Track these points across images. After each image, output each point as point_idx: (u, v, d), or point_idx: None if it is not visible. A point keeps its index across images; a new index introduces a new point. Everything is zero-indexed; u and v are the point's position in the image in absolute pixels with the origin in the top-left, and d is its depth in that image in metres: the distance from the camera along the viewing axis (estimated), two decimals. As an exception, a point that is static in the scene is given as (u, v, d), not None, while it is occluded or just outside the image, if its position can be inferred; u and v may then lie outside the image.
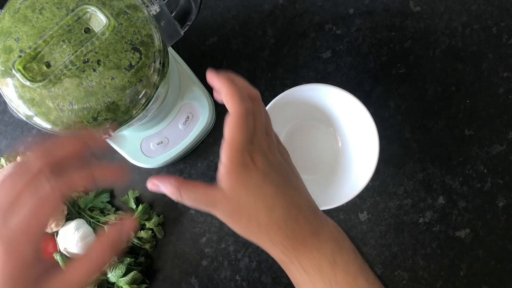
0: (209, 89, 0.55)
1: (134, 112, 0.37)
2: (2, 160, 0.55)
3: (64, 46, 0.34)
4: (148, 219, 0.55)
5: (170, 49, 0.50)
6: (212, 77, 0.33)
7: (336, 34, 0.56)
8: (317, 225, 0.33)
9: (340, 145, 0.54)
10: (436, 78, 0.56)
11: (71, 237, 0.50)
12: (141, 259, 0.54)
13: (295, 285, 0.34)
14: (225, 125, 0.32)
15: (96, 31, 0.34)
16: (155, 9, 0.37)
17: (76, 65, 0.33)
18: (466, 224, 0.55)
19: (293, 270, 0.33)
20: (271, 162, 0.33)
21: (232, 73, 0.33)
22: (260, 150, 0.33)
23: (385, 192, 0.55)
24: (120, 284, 0.51)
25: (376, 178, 0.55)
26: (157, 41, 0.35)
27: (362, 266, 0.33)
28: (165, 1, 0.38)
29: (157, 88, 0.37)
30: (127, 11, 0.35)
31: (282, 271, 0.54)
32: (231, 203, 0.32)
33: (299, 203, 0.33)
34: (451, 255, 0.54)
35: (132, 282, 0.51)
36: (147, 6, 0.36)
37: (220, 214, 0.33)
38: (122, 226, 0.32)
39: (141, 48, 0.34)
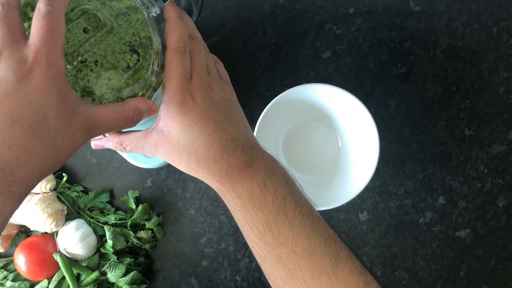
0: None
1: None
2: (2, 160, 0.55)
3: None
4: (148, 219, 0.55)
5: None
6: (168, 7, 0.36)
7: (336, 34, 0.56)
8: (252, 157, 0.35)
9: (340, 145, 0.54)
10: (436, 78, 0.56)
11: (71, 237, 0.50)
12: (141, 259, 0.54)
13: (231, 211, 0.36)
14: (165, 61, 0.34)
15: (94, 31, 0.34)
16: (155, 11, 0.37)
17: (73, 64, 0.33)
18: (467, 224, 0.55)
19: (229, 197, 0.35)
20: (212, 98, 0.35)
21: (185, 13, 0.36)
22: (200, 87, 0.35)
23: (385, 192, 0.55)
24: (120, 284, 0.51)
25: (376, 178, 0.55)
26: (156, 43, 0.35)
27: (292, 191, 0.35)
28: (165, 3, 0.38)
29: (155, 90, 0.37)
30: (127, 12, 0.35)
31: (282, 271, 0.55)
32: (171, 143, 0.34)
33: (237, 138, 0.35)
34: (452, 255, 0.54)
35: (132, 282, 0.51)
36: (147, 8, 0.36)
37: (163, 156, 0.35)
38: (150, 106, 0.35)
39: (139, 50, 0.35)
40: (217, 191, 0.36)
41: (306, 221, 0.33)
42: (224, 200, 0.36)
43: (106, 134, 0.38)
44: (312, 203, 0.35)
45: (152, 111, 0.35)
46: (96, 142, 0.38)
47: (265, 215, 0.33)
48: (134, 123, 0.34)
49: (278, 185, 0.34)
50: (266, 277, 0.35)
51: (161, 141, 0.34)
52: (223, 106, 0.36)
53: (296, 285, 0.32)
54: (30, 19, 0.32)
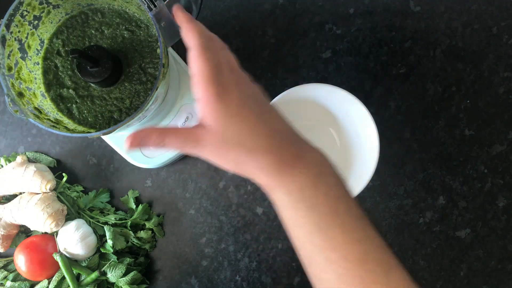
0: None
1: (133, 112, 0.37)
2: (2, 160, 0.55)
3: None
4: (148, 219, 0.55)
5: (170, 49, 0.50)
6: (176, 12, 0.34)
7: (336, 34, 0.56)
8: (301, 150, 0.33)
9: (340, 145, 0.54)
10: (436, 78, 0.56)
11: (71, 237, 0.50)
12: (141, 259, 0.54)
13: (277, 207, 0.34)
14: (189, 61, 0.32)
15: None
16: (155, 10, 0.37)
17: None
18: (467, 224, 0.54)
19: (277, 193, 0.33)
20: (245, 91, 0.34)
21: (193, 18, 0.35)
22: (232, 80, 0.33)
23: (385, 192, 0.55)
24: (120, 284, 0.51)
25: (376, 178, 0.55)
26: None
27: (344, 193, 0.33)
28: (165, 2, 0.38)
29: (156, 89, 0.37)
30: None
31: (282, 271, 0.55)
32: (217, 136, 0.32)
33: (282, 129, 0.34)
34: (452, 255, 0.54)
35: (132, 282, 0.51)
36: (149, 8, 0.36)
37: (208, 152, 0.33)
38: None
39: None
40: (265, 187, 0.34)
41: (359, 225, 0.32)
42: (271, 196, 0.34)
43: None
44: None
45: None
46: (133, 145, 0.34)
47: (316, 216, 0.31)
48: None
49: (329, 183, 0.33)
50: (311, 277, 0.33)
51: (207, 136, 0.32)
52: (259, 98, 0.34)
53: None
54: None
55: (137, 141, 0.33)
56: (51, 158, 0.56)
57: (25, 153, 0.56)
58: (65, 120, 0.43)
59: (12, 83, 0.39)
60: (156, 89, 0.37)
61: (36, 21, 0.41)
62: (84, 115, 0.43)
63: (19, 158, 0.54)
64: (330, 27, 0.56)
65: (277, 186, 0.32)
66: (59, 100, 0.43)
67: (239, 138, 0.32)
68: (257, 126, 0.32)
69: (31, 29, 0.41)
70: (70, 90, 0.43)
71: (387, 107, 0.56)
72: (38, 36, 0.42)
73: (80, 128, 0.43)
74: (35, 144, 0.58)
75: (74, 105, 0.43)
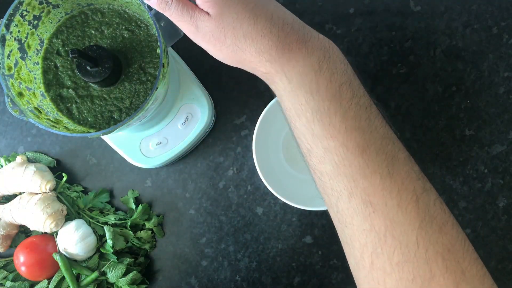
0: (209, 90, 0.55)
1: (133, 112, 0.37)
2: (2, 160, 0.55)
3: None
4: (148, 219, 0.55)
5: (170, 49, 0.50)
6: None
7: (336, 34, 0.56)
8: (304, 35, 0.31)
9: (340, 145, 0.54)
10: (436, 78, 0.56)
11: (70, 237, 0.50)
12: (140, 259, 0.54)
13: (278, 98, 0.32)
14: None
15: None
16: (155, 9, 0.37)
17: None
18: (467, 224, 0.54)
19: (277, 80, 0.31)
20: None
21: None
22: None
23: (385, 192, 0.55)
24: (120, 285, 0.51)
25: (376, 178, 0.55)
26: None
27: (351, 79, 0.31)
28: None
29: (156, 89, 0.37)
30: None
31: (282, 271, 0.55)
32: (213, 20, 0.31)
33: (284, 16, 0.32)
34: (452, 255, 0.54)
35: (131, 283, 0.51)
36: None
37: (205, 36, 0.32)
38: None
39: None
40: (265, 75, 0.32)
41: (363, 114, 0.30)
42: (271, 86, 0.32)
43: None
44: (372, 99, 0.31)
45: None
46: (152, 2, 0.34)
47: (316, 103, 0.29)
48: None
49: (335, 70, 0.30)
50: (311, 171, 0.31)
51: (204, 21, 0.31)
52: None
53: (343, 182, 0.28)
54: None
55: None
56: (50, 158, 0.56)
57: (25, 153, 0.56)
58: (65, 120, 0.43)
59: (12, 83, 0.39)
60: (156, 89, 0.37)
61: (36, 21, 0.41)
62: (84, 115, 0.43)
63: (19, 158, 0.54)
64: (330, 27, 0.56)
65: (278, 72, 0.31)
66: (58, 100, 0.43)
67: (236, 21, 0.31)
68: (256, 8, 0.31)
69: (30, 29, 0.41)
70: (70, 90, 0.43)
71: (387, 107, 0.56)
72: (38, 36, 0.42)
73: (80, 128, 0.43)
74: (35, 144, 0.58)
75: (74, 105, 0.43)
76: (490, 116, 0.55)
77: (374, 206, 0.28)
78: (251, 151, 0.52)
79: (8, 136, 0.58)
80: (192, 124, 0.51)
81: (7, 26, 0.38)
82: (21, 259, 0.50)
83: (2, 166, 0.55)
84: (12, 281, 0.52)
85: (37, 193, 0.52)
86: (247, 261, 0.55)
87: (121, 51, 0.43)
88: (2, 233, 0.52)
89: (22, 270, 0.50)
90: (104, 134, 0.38)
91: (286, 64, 0.30)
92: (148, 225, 0.54)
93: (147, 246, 0.54)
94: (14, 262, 0.52)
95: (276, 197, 0.51)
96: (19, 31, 0.40)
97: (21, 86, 0.40)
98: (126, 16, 0.43)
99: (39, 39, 0.43)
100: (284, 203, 0.53)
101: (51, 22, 0.43)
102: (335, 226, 0.31)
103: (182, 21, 0.33)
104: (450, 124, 0.55)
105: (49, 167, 0.55)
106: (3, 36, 0.38)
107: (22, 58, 0.41)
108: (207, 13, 0.32)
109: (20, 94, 0.40)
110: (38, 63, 0.43)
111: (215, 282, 0.55)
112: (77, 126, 0.43)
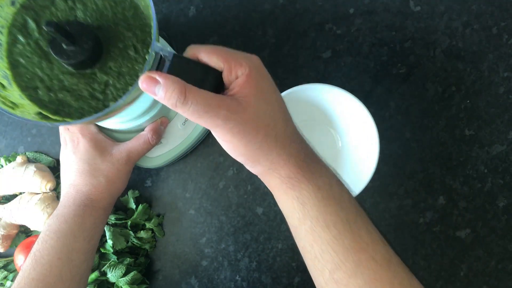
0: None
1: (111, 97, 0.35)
2: (2, 160, 0.55)
3: None
4: (148, 220, 0.55)
5: (169, 47, 0.50)
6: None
7: (336, 34, 0.56)
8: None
9: (340, 145, 0.54)
10: (436, 78, 0.56)
11: (70, 237, 0.50)
12: (141, 259, 0.54)
13: (299, 205, 0.30)
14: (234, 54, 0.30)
15: None
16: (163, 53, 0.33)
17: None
18: (467, 224, 0.54)
19: (303, 186, 0.29)
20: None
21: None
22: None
23: (385, 192, 0.55)
24: (120, 284, 0.51)
25: (376, 178, 0.55)
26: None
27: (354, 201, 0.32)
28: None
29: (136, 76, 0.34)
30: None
31: (282, 271, 0.55)
32: (249, 111, 0.28)
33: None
34: (452, 255, 0.54)
35: (132, 283, 0.51)
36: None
37: (233, 127, 0.28)
38: (161, 121, 0.48)
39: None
40: (287, 181, 0.30)
41: (373, 226, 0.31)
42: (293, 192, 0.30)
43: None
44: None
45: (164, 122, 0.49)
46: (148, 86, 0.28)
47: (345, 214, 0.29)
48: (158, 139, 0.48)
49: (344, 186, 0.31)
50: (335, 285, 0.29)
51: (237, 108, 0.28)
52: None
53: None
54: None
55: (151, 85, 0.28)
56: (51, 158, 0.56)
57: (25, 153, 0.56)
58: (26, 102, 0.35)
59: None
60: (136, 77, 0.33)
61: None
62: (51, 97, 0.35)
63: (19, 158, 0.54)
64: (330, 27, 0.56)
65: (306, 179, 0.29)
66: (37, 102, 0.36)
67: (271, 119, 0.29)
68: (286, 112, 0.31)
69: None
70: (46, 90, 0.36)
71: (387, 107, 0.56)
72: None
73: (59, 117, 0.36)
74: (35, 144, 0.58)
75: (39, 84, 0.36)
76: (490, 116, 0.55)
77: None
78: (251, 151, 0.52)
79: (8, 136, 0.58)
80: (192, 124, 0.51)
81: None
82: (21, 259, 0.50)
83: (2, 166, 0.55)
84: (12, 281, 0.52)
85: (37, 193, 0.52)
86: (247, 261, 0.55)
87: (102, 27, 0.36)
88: (2, 233, 0.52)
89: (22, 270, 0.50)
90: (85, 122, 0.33)
91: (315, 172, 0.30)
92: (148, 225, 0.54)
93: (147, 246, 0.54)
94: (14, 262, 0.52)
95: (276, 197, 0.51)
96: None
97: None
98: None
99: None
100: (284, 203, 0.53)
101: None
102: None
103: (205, 118, 0.28)
104: (450, 124, 0.55)
105: (49, 167, 0.55)
106: None
107: None
108: (238, 101, 0.28)
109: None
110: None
111: (215, 282, 0.55)
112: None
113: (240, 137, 0.29)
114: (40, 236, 0.41)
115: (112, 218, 0.53)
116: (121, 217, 0.54)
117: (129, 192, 0.55)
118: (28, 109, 0.35)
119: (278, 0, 0.56)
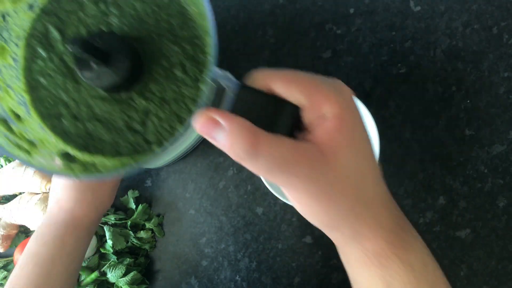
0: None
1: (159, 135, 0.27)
2: (2, 160, 0.55)
3: None
4: (148, 220, 0.55)
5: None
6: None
7: (336, 34, 0.56)
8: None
9: (340, 145, 0.54)
10: (436, 78, 0.56)
11: (70, 238, 0.50)
12: (141, 259, 0.54)
13: (383, 283, 0.25)
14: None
15: None
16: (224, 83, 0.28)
17: None
18: (467, 224, 0.54)
19: (393, 265, 0.24)
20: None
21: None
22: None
23: (385, 192, 0.55)
24: (120, 285, 0.51)
25: (376, 178, 0.55)
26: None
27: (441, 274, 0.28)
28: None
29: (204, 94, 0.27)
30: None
31: (282, 271, 0.55)
32: (338, 169, 0.22)
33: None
34: (451, 255, 0.54)
35: (131, 283, 0.51)
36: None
37: (313, 184, 0.22)
38: None
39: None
40: (373, 257, 0.24)
41: None
42: (379, 271, 0.24)
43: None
44: None
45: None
46: (208, 130, 0.22)
47: None
48: None
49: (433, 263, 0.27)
50: None
51: (322, 164, 0.21)
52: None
53: None
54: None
55: (210, 127, 0.21)
56: (51, 158, 0.56)
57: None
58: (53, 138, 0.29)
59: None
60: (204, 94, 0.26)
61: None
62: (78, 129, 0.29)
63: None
64: (330, 27, 0.56)
65: (396, 258, 0.24)
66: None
67: (361, 179, 0.23)
68: (378, 168, 0.24)
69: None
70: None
71: (387, 107, 0.56)
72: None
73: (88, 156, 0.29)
74: (35, 144, 0.58)
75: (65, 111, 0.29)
76: (490, 116, 0.55)
77: None
78: (251, 151, 0.52)
79: (8, 136, 0.58)
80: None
81: None
82: (21, 259, 0.50)
83: (2, 166, 0.55)
84: (12, 281, 0.52)
85: (37, 193, 0.52)
86: (247, 261, 0.55)
87: (141, 39, 0.28)
88: (2, 233, 0.52)
89: (22, 270, 0.50)
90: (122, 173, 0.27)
91: (408, 248, 0.25)
92: (148, 225, 0.54)
93: (147, 246, 0.54)
94: (14, 262, 0.52)
95: (276, 197, 0.51)
96: None
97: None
98: None
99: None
100: (284, 203, 0.53)
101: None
102: None
103: (278, 176, 0.22)
104: (450, 124, 0.55)
105: (49, 167, 0.55)
106: None
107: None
108: (322, 152, 0.22)
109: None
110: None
111: (215, 282, 0.55)
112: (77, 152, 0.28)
113: (321, 202, 0.22)
114: (20, 259, 0.41)
115: (112, 218, 0.53)
116: (121, 217, 0.54)
117: (129, 192, 0.55)
118: (49, 147, 0.28)
119: (278, 0, 0.56)
